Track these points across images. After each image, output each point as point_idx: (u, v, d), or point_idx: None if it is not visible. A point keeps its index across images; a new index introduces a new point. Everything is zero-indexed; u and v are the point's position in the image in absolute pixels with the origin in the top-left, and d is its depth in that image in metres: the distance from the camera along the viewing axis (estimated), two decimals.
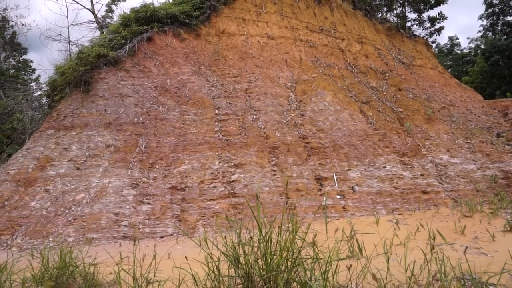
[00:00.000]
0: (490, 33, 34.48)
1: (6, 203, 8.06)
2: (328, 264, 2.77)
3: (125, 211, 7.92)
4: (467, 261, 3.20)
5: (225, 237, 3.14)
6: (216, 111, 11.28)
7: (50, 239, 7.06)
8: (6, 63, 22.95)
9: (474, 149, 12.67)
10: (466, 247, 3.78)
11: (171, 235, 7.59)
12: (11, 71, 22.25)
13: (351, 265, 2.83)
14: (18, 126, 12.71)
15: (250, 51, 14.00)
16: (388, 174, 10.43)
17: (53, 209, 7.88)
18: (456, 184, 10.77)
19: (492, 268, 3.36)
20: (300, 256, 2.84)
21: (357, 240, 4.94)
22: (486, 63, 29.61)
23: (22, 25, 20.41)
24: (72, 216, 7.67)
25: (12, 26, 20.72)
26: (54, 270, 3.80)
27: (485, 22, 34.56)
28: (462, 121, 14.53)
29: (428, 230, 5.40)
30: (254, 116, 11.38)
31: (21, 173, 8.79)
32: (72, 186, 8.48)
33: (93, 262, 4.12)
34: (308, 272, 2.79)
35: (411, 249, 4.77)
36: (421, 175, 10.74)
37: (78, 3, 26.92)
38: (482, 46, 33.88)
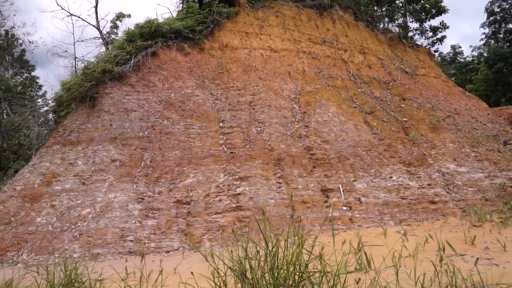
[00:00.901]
0: (492, 41, 34.51)
1: (12, 219, 8.07)
2: (336, 277, 2.72)
3: (131, 226, 7.90)
4: (479, 272, 3.13)
5: (231, 251, 3.11)
6: (221, 124, 11.31)
7: (56, 255, 7.04)
8: (13, 80, 23.33)
9: (481, 157, 12.55)
10: (477, 258, 3.70)
11: (177, 249, 7.54)
12: (18, 87, 22.59)
13: (359, 279, 2.78)
14: (24, 142, 12.83)
15: (254, 64, 14.11)
16: (395, 185, 10.33)
17: (59, 225, 7.88)
18: (464, 193, 10.63)
19: (504, 279, 3.29)
20: (307, 270, 2.80)
21: (365, 253, 4.87)
22: (490, 71, 29.55)
23: (30, 42, 20.78)
24: (78, 231, 7.66)
25: (21, 44, 21.17)
26: (60, 287, 3.77)
27: (487, 30, 34.63)
28: (467, 129, 14.43)
29: (437, 241, 5.32)
30: (259, 129, 11.40)
31: (27, 189, 8.83)
32: (78, 201, 8.49)
33: (99, 278, 4.09)
34: (315, 286, 2.75)
35: (420, 260, 4.69)
36: (428, 184, 10.62)
37: (84, 20, 27.46)
38: (485, 54, 33.89)
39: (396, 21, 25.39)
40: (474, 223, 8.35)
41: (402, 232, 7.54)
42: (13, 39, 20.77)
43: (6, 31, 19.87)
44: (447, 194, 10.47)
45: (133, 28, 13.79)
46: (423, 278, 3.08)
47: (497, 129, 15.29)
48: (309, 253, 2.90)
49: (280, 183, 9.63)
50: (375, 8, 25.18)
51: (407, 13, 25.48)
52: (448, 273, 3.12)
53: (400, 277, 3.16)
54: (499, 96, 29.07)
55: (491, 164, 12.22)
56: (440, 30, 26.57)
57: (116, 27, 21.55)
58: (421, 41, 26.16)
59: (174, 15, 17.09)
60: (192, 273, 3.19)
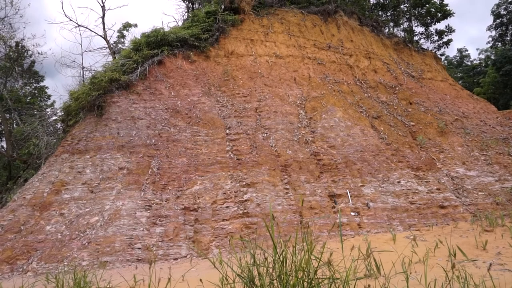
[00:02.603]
0: (499, 43, 34.26)
1: (22, 227, 8.14)
2: (345, 284, 2.70)
3: (139, 233, 7.91)
4: (491, 278, 3.07)
5: (240, 258, 3.09)
6: (227, 131, 11.34)
7: (65, 263, 7.07)
8: (23, 91, 23.69)
9: (491, 161, 12.38)
10: (490, 264, 3.62)
11: (185, 256, 7.53)
12: (28, 98, 22.93)
13: (369, 285, 2.75)
14: (34, 151, 12.98)
15: (259, 71, 14.17)
16: (403, 189, 10.23)
17: (68, 233, 7.93)
18: (474, 197, 10.48)
19: None
20: (316, 277, 2.77)
21: (374, 258, 4.81)
22: (498, 74, 29.28)
23: (39, 53, 21.10)
24: (87, 239, 7.70)
25: (30, 55, 21.53)
26: None
27: (493, 33, 34.40)
28: (476, 132, 14.27)
29: (448, 246, 5.24)
30: (265, 135, 11.41)
31: (36, 198, 8.91)
32: (86, 209, 8.54)
33: (108, 286, 4.10)
34: None
35: (431, 266, 4.63)
36: (437, 189, 10.50)
37: (91, 31, 27.88)
38: (493, 57, 33.62)
39: (401, 26, 25.34)
40: (485, 228, 8.21)
41: (412, 237, 7.45)
42: (23, 51, 21.15)
43: (17, 43, 20.23)
44: (457, 198, 10.33)
45: (139, 38, 13.96)
46: (434, 284, 3.03)
47: (506, 132, 15.10)
48: (318, 260, 2.87)
49: (287, 189, 9.60)
50: (380, 13, 25.20)
51: (412, 18, 25.43)
52: (460, 279, 3.07)
53: (411, 283, 3.12)
54: (507, 99, 28.75)
55: (501, 168, 12.05)
56: (446, 33, 26.46)
57: (123, 36, 21.85)
58: (427, 45, 26.06)
59: (180, 23, 17.29)
60: (200, 280, 3.18)
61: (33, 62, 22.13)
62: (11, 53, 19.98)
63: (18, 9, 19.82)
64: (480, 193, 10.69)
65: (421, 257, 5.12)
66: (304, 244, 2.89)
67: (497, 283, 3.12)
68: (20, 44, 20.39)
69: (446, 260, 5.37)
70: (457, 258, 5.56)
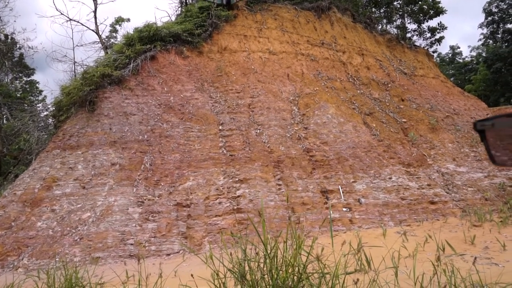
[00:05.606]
0: (490, 41, 34.61)
1: (13, 224, 8.08)
2: (334, 278, 2.74)
3: (131, 229, 7.91)
4: (478, 272, 3.14)
5: (231, 254, 3.12)
6: (220, 127, 11.34)
7: (57, 259, 7.04)
8: (13, 85, 23.38)
9: (481, 157, 12.56)
10: (475, 258, 3.70)
11: (177, 252, 7.55)
12: (18, 93, 22.65)
13: (358, 279, 2.79)
14: (24, 147, 12.86)
15: (252, 67, 14.15)
16: (394, 185, 10.34)
17: (60, 229, 7.89)
18: (464, 193, 10.64)
19: (503, 278, 3.30)
20: (306, 271, 2.81)
21: (364, 253, 4.87)
22: (489, 71, 29.64)
23: (29, 48, 20.79)
24: (78, 235, 7.67)
25: (20, 48, 21.23)
26: None
27: (485, 30, 34.74)
28: (467, 129, 14.45)
29: (437, 241, 5.34)
30: (258, 131, 11.42)
31: (27, 194, 8.83)
32: (78, 205, 8.50)
33: (99, 282, 4.10)
34: (314, 287, 2.76)
35: (420, 261, 4.69)
36: (428, 185, 10.64)
37: (83, 25, 27.57)
38: (484, 54, 33.98)
39: (394, 23, 25.49)
40: (474, 223, 8.35)
41: (402, 232, 7.55)
42: (12, 44, 20.82)
43: (6, 35, 19.91)
44: (447, 194, 10.48)
45: (132, 32, 13.84)
46: (422, 278, 3.10)
47: None
48: (308, 254, 2.91)
49: (279, 185, 9.65)
50: (373, 9, 25.29)
51: (405, 15, 25.57)
52: (447, 272, 3.13)
53: (400, 277, 3.17)
54: (498, 96, 29.14)
55: (491, 164, 12.23)
56: (438, 31, 26.67)
57: (115, 31, 21.68)
58: (419, 42, 26.27)
59: (173, 18, 17.17)
60: (192, 275, 3.20)
61: (22, 54, 21.84)
62: (0, 47, 19.68)
63: (8, 2, 19.51)
64: (469, 188, 10.85)
65: (410, 252, 5.19)
66: (294, 239, 2.93)
67: (483, 276, 3.19)
68: (9, 37, 20.08)
69: (435, 254, 5.46)
70: (446, 252, 5.66)
